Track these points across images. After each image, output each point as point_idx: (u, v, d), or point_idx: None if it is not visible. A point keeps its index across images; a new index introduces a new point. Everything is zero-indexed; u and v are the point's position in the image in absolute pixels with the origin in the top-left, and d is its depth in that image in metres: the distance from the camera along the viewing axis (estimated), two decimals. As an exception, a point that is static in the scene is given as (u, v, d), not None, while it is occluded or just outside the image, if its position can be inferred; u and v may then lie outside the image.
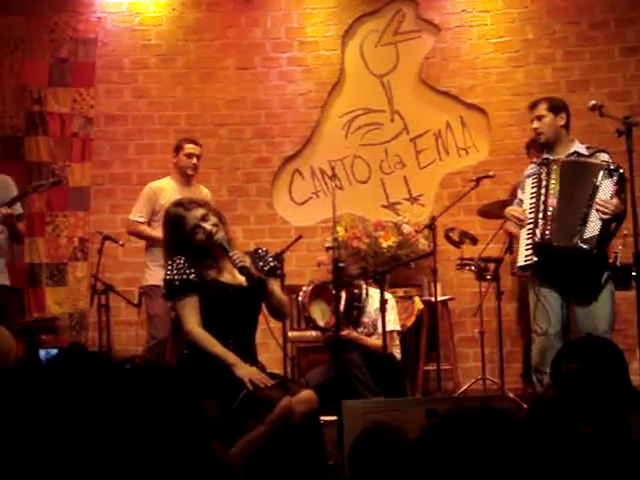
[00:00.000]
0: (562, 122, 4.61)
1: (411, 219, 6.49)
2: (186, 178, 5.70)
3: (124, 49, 6.80)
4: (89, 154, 6.71)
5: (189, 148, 5.73)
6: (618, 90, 6.39)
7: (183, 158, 5.70)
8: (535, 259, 4.38)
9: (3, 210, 4.71)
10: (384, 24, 6.83)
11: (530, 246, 4.42)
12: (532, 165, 4.79)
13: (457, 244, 5.77)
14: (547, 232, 4.37)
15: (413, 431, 3.27)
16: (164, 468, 1.24)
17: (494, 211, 5.81)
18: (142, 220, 5.66)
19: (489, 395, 5.10)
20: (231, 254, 3.46)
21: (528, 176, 4.66)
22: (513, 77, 6.65)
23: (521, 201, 4.66)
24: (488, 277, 5.58)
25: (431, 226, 5.67)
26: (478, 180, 5.80)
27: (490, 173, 5.84)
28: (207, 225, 3.50)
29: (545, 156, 4.65)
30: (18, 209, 4.93)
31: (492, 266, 5.57)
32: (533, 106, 4.68)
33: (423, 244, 6.21)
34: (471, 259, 5.65)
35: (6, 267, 5.10)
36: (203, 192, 5.76)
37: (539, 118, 4.60)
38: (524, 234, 4.48)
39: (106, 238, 6.05)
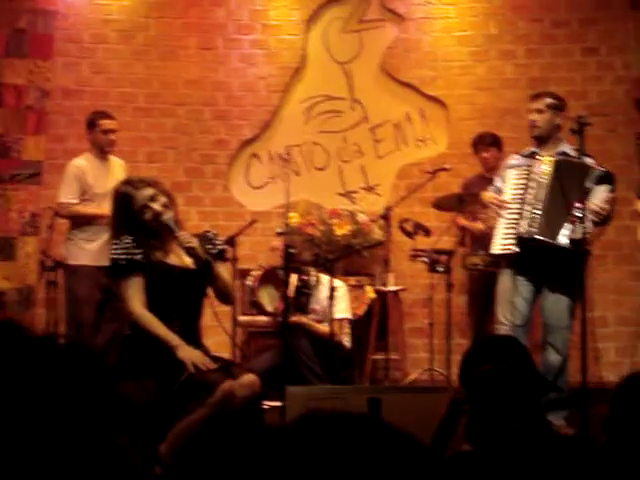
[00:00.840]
0: (559, 121, 4.66)
1: (367, 208, 6.49)
2: (104, 153, 5.59)
3: (84, 23, 6.68)
4: (44, 127, 6.60)
5: (106, 124, 5.59)
6: (577, 89, 6.44)
7: (101, 135, 5.56)
8: (515, 249, 4.43)
9: None
10: (349, 11, 6.80)
11: (510, 235, 4.46)
12: (516, 156, 4.80)
13: (411, 235, 5.79)
14: (534, 225, 4.43)
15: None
16: (58, 452, 1.20)
17: (449, 204, 5.84)
18: (75, 201, 5.50)
19: (435, 386, 5.13)
20: (178, 234, 3.43)
21: (512, 167, 4.68)
22: (474, 71, 6.67)
23: (499, 190, 4.70)
24: (440, 269, 5.61)
25: (386, 216, 5.70)
26: (435, 172, 5.83)
27: (447, 166, 5.88)
28: (155, 205, 3.46)
29: (533, 150, 4.68)
30: None
31: (444, 258, 5.61)
32: (536, 98, 4.71)
33: (377, 234, 6.22)
34: (424, 250, 5.68)
35: None
36: (117, 164, 5.66)
37: (539, 111, 4.63)
38: (503, 223, 4.53)
39: (57, 214, 5.96)
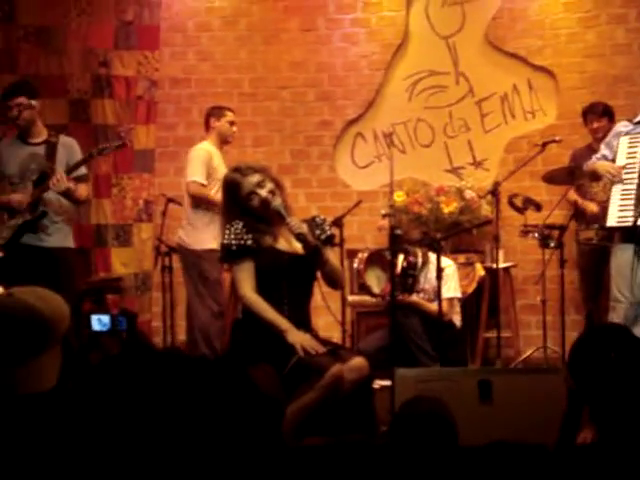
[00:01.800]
0: None
1: (474, 184, 6.39)
2: (224, 144, 5.70)
3: (188, 12, 6.81)
4: (154, 117, 6.78)
5: (231, 116, 5.72)
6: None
7: (227, 125, 5.69)
8: (633, 222, 4.22)
9: (55, 180, 4.77)
10: (451, -16, 6.67)
11: (628, 207, 4.28)
12: (625, 122, 4.59)
13: (521, 210, 5.66)
14: None
15: (463, 401, 3.25)
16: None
17: (560, 177, 5.68)
18: (205, 182, 5.53)
19: (547, 367, 5.03)
20: (288, 220, 3.46)
21: (624, 134, 4.47)
22: (583, 38, 6.43)
23: (607, 159, 4.50)
24: (552, 245, 5.46)
25: (494, 192, 5.57)
26: (544, 145, 5.66)
27: (557, 138, 5.70)
28: (262, 192, 3.50)
29: None
30: (82, 170, 5.00)
31: (556, 233, 5.46)
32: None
33: (486, 210, 6.11)
34: (535, 226, 5.55)
35: (71, 229, 5.19)
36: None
37: None
38: (619, 193, 4.34)
39: (170, 200, 6.14)
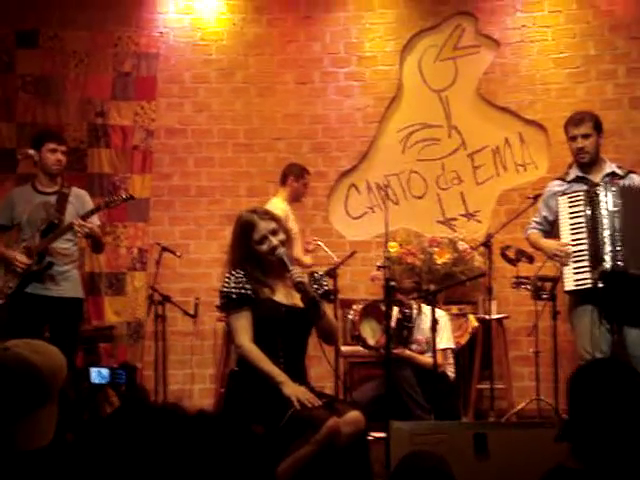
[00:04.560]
0: (601, 141, 4.55)
1: (467, 235, 6.45)
2: (296, 202, 6.14)
3: (185, 64, 6.91)
4: (149, 166, 6.84)
5: (308, 178, 6.18)
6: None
7: (302, 188, 6.13)
8: (595, 284, 4.28)
9: (79, 223, 4.82)
10: (443, 39, 6.81)
11: (584, 269, 4.34)
12: (557, 182, 4.67)
13: (513, 262, 5.71)
14: (619, 258, 4.27)
15: (459, 455, 3.25)
16: None
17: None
18: None
19: (542, 421, 5.02)
20: (290, 269, 3.47)
21: (561, 193, 4.53)
22: (574, 93, 6.56)
23: (546, 220, 4.60)
24: (544, 296, 5.51)
25: (487, 243, 5.63)
26: (536, 197, 5.70)
27: (548, 191, 5.77)
28: (274, 239, 3.51)
29: (579, 174, 4.56)
30: (95, 221, 5.04)
31: (548, 285, 5.50)
32: (578, 122, 4.56)
33: (479, 261, 6.17)
34: (527, 278, 5.59)
35: (79, 278, 5.23)
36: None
37: (585, 137, 4.51)
38: (572, 257, 4.40)
39: (164, 249, 6.17)
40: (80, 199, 5.10)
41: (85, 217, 4.89)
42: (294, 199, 6.13)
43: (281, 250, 3.50)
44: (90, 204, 5.14)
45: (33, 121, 6.72)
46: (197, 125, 6.88)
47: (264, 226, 3.52)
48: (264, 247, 3.50)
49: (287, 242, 3.56)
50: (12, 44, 6.79)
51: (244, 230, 3.55)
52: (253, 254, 3.52)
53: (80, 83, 6.80)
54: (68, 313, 4.95)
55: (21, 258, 4.86)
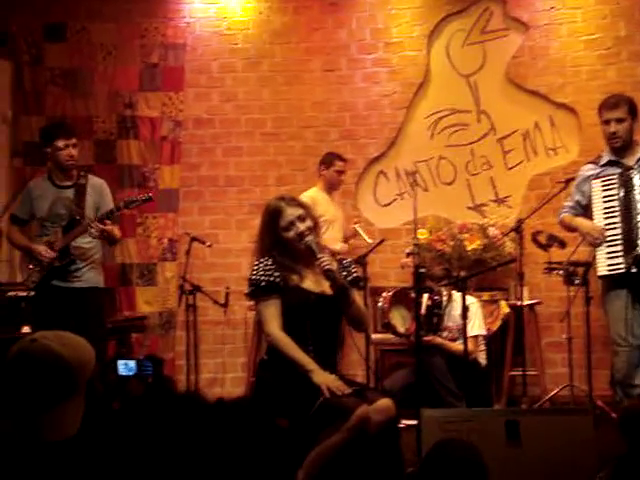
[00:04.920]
0: (636, 125, 4.47)
1: (497, 221, 6.39)
2: (333, 190, 6.15)
3: (212, 53, 6.91)
4: (178, 157, 6.86)
5: (340, 165, 6.22)
6: None
7: (334, 174, 6.20)
8: (625, 268, 4.24)
9: (97, 228, 4.84)
10: (471, 23, 6.74)
11: (617, 254, 4.29)
12: (590, 165, 4.63)
13: (545, 247, 5.65)
14: None
15: (491, 442, 3.22)
16: None
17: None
18: None
19: (575, 407, 4.97)
20: (319, 256, 3.46)
21: (594, 177, 4.49)
22: (604, 75, 6.46)
23: (580, 204, 4.55)
24: (576, 281, 5.43)
25: (518, 229, 5.57)
26: (567, 181, 5.64)
27: (579, 174, 5.69)
28: (301, 225, 3.50)
29: (612, 158, 4.49)
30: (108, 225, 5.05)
31: (581, 270, 5.42)
32: (613, 106, 4.50)
33: (509, 247, 6.11)
34: (559, 263, 5.52)
35: (101, 270, 5.25)
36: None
37: (619, 121, 4.44)
38: (605, 242, 4.35)
39: (194, 239, 6.19)
40: (97, 189, 5.10)
41: (102, 219, 4.88)
42: (329, 187, 6.20)
43: (309, 237, 3.48)
44: (108, 193, 5.15)
45: (63, 114, 6.78)
46: (225, 115, 6.89)
47: (291, 212, 3.51)
48: (291, 233, 3.49)
49: (315, 229, 3.55)
50: (40, 38, 6.84)
51: (272, 217, 3.54)
52: (281, 241, 3.51)
53: (108, 75, 6.83)
54: (89, 303, 4.98)
55: (46, 252, 4.90)
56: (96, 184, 5.13)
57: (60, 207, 5.00)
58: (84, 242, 4.98)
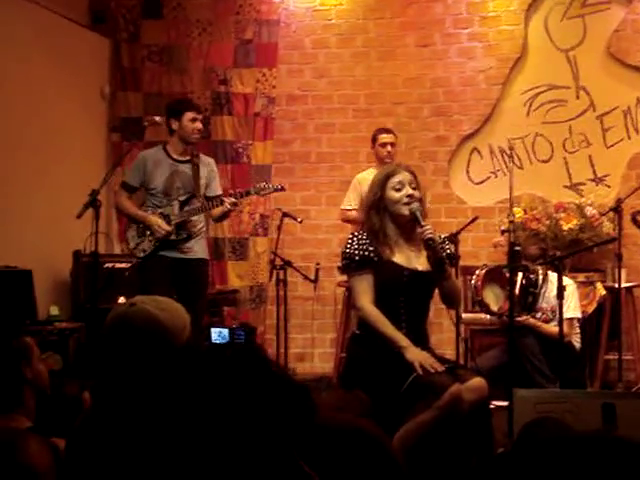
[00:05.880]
0: None
1: (595, 201, 6.21)
2: (382, 164, 5.86)
3: (305, 29, 6.91)
4: (271, 133, 6.90)
5: (383, 138, 5.99)
6: None
7: (379, 148, 5.98)
8: None
9: (233, 201, 5.01)
10: (571, -4, 6.53)
11: None
12: None
13: (644, 228, 5.46)
14: None
15: (586, 424, 3.15)
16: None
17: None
18: (350, 208, 5.98)
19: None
20: (423, 224, 3.42)
21: None
22: None
23: None
24: (678, 264, 5.24)
25: (617, 209, 5.40)
26: (670, 160, 5.46)
27: (684, 153, 5.49)
28: (411, 190, 3.47)
29: None
30: (219, 191, 5.20)
31: (683, 252, 5.24)
32: None
33: (607, 227, 5.93)
34: (660, 244, 5.34)
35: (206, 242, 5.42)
36: None
37: None
38: None
39: (285, 215, 6.23)
40: (209, 167, 5.24)
41: (238, 197, 5.10)
42: (378, 162, 5.97)
43: (416, 204, 3.45)
44: (216, 172, 5.27)
45: (159, 90, 6.90)
46: (317, 91, 6.88)
47: (406, 175, 3.49)
48: (399, 194, 3.45)
49: (421, 202, 3.50)
50: (138, 15, 6.97)
51: (385, 175, 3.52)
52: (384, 203, 3.47)
53: (203, 51, 6.91)
54: (196, 273, 5.12)
55: (164, 225, 5.02)
56: (208, 162, 5.28)
57: (177, 180, 5.11)
58: (195, 217, 5.11)
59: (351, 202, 5.99)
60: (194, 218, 5.11)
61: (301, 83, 6.91)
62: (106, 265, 6.02)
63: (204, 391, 1.37)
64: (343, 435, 1.60)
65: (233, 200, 5.02)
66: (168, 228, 5.02)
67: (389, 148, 5.96)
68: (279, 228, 6.21)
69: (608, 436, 1.23)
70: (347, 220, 6.07)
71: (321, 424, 1.51)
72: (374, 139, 6.06)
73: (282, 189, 5.32)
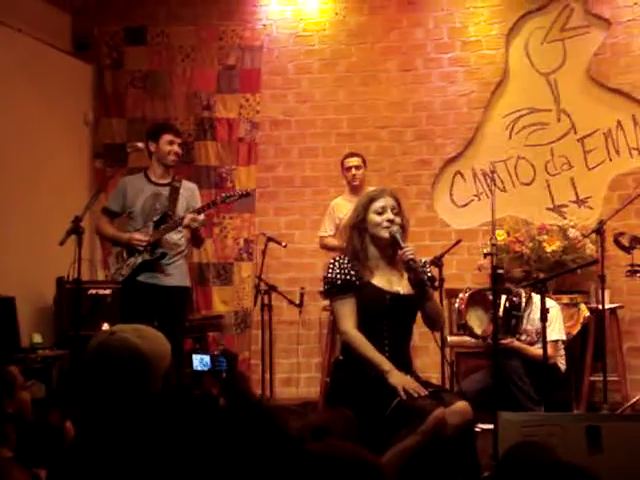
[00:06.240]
0: None
1: (578, 223, 6.25)
2: (355, 191, 5.96)
3: (288, 55, 6.95)
4: (255, 158, 6.92)
5: (347, 162, 6.12)
6: None
7: (345, 172, 6.12)
8: None
9: (192, 217, 4.94)
10: (551, 20, 6.60)
11: None
12: None
13: (627, 249, 5.48)
14: None
15: (571, 447, 3.14)
16: None
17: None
18: (325, 235, 6.12)
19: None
20: (403, 246, 3.43)
21: None
22: (691, 72, 6.25)
23: None
24: (661, 285, 5.27)
25: (599, 230, 5.42)
26: (651, 182, 5.51)
27: (664, 175, 5.54)
28: (392, 215, 3.49)
29: None
30: (201, 217, 5.14)
31: (665, 273, 5.27)
32: None
33: (590, 249, 5.96)
34: (642, 265, 5.36)
35: (187, 268, 5.35)
36: None
37: None
38: None
39: (270, 239, 6.23)
40: (190, 192, 5.21)
41: (200, 211, 5.01)
42: (350, 189, 6.10)
43: (394, 228, 3.46)
44: (199, 198, 5.25)
45: (143, 116, 6.91)
46: (301, 116, 6.91)
47: (389, 200, 3.52)
48: (380, 218, 3.47)
49: (403, 228, 3.51)
50: (121, 41, 7.00)
51: (370, 197, 3.55)
52: (365, 226, 3.49)
53: (187, 77, 6.94)
54: (175, 301, 5.07)
55: (141, 237, 4.98)
56: (189, 188, 5.24)
57: (157, 203, 5.09)
58: (174, 237, 5.07)
59: (327, 229, 6.10)
60: (174, 239, 5.06)
61: (284, 108, 6.94)
62: (90, 292, 6.00)
63: (190, 434, 1.37)
64: (340, 463, 1.59)
65: (191, 216, 4.93)
66: (144, 238, 4.98)
67: (354, 171, 6.03)
68: (263, 253, 6.22)
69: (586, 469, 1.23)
70: (325, 247, 6.13)
71: (318, 452, 1.50)
72: (341, 164, 6.15)
73: (248, 194, 5.30)
